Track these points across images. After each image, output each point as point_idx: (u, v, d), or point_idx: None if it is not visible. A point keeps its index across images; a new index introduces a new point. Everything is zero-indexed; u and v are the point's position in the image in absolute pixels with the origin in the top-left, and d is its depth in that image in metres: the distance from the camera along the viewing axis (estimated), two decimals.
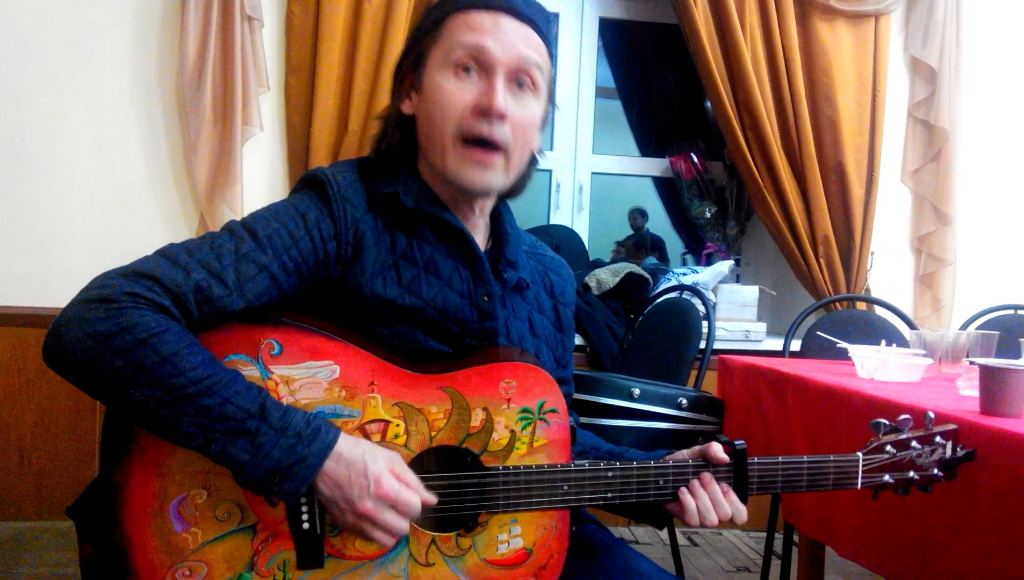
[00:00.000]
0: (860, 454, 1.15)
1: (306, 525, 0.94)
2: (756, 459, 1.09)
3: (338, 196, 1.02)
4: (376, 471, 0.91)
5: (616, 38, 3.78)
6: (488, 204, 1.14)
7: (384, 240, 1.05)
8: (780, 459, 1.11)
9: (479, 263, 1.10)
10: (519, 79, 1.05)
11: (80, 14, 2.74)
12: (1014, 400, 1.28)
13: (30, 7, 2.72)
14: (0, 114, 2.72)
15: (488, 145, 1.04)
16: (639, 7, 3.50)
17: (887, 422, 1.16)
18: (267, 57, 2.78)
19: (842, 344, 1.91)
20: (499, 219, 1.16)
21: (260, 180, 2.84)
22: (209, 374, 0.87)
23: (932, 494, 1.29)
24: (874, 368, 1.74)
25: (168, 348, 0.86)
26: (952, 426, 1.18)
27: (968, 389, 1.49)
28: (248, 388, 0.89)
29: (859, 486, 1.14)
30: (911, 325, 2.69)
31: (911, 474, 1.15)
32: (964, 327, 2.76)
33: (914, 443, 1.15)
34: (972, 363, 1.44)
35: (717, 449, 1.07)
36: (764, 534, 2.55)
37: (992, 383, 1.30)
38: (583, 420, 1.87)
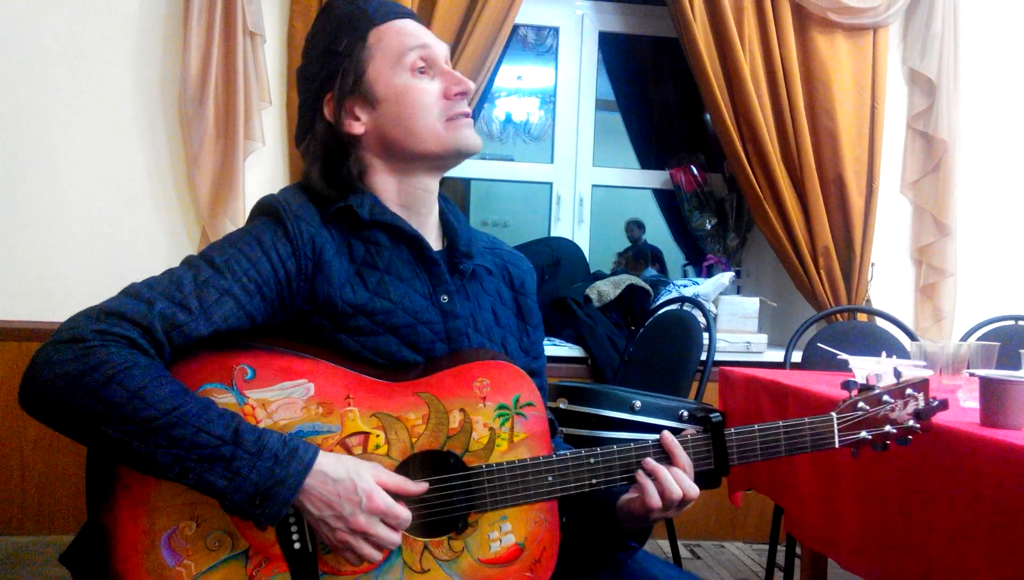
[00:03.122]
0: (834, 413, 1.16)
1: (297, 545, 0.95)
2: (733, 429, 1.12)
3: (291, 215, 1.05)
4: (366, 486, 0.93)
5: (616, 52, 3.80)
6: (435, 204, 1.18)
7: (343, 250, 1.08)
8: (756, 427, 1.13)
9: (434, 265, 1.12)
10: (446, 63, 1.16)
11: (82, 28, 2.76)
12: (1015, 412, 1.28)
13: (31, 21, 2.74)
14: (1, 127, 2.73)
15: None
16: (639, 21, 3.52)
17: (858, 381, 1.18)
18: (269, 71, 2.80)
19: (843, 355, 1.91)
20: (445, 217, 1.20)
21: (262, 194, 2.83)
22: (179, 404, 0.88)
23: (934, 506, 1.29)
24: None
25: (136, 383, 0.87)
26: (922, 377, 1.21)
27: (969, 400, 1.50)
28: (221, 415, 0.90)
29: (837, 445, 1.15)
30: (912, 336, 2.69)
31: (887, 428, 1.17)
32: (965, 338, 2.77)
33: (886, 397, 1.17)
34: (972, 375, 1.44)
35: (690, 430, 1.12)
36: (767, 546, 2.54)
37: (992, 395, 1.30)
38: (584, 433, 1.87)
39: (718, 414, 1.11)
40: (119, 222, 2.80)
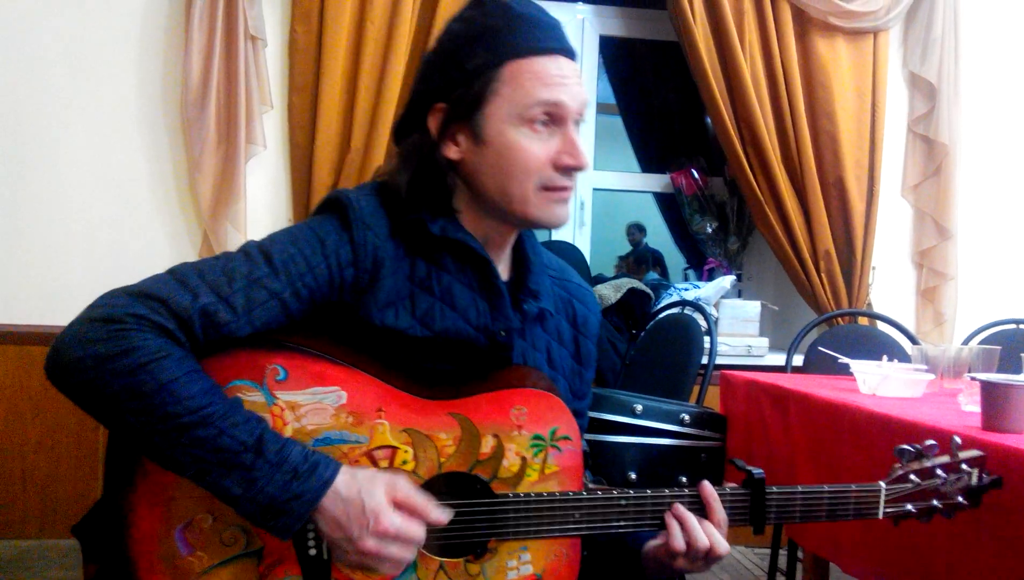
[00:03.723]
0: (883, 484, 1.10)
1: (312, 551, 0.93)
2: (775, 488, 1.07)
3: (359, 221, 1.00)
4: (374, 507, 0.89)
5: (617, 55, 3.81)
6: (514, 235, 1.12)
7: (403, 268, 1.03)
8: (799, 488, 1.08)
9: (499, 296, 1.07)
10: (577, 120, 1.05)
11: (84, 32, 2.77)
12: (1016, 416, 1.28)
13: (32, 21, 2.74)
14: (3, 131, 2.74)
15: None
16: (639, 25, 3.52)
17: (911, 448, 1.11)
18: (270, 76, 2.81)
19: (844, 359, 1.91)
20: (522, 246, 1.14)
21: (263, 198, 2.85)
22: (207, 404, 0.86)
23: None
24: (876, 383, 1.74)
25: (167, 375, 0.85)
26: (979, 453, 1.13)
27: (970, 404, 1.49)
28: (247, 419, 0.88)
29: (881, 516, 1.09)
30: (913, 340, 2.69)
31: (934, 502, 1.10)
32: (966, 342, 2.76)
33: (939, 471, 1.10)
34: (974, 378, 1.44)
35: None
36: (768, 551, 2.54)
37: (994, 399, 1.30)
38: (586, 436, 1.87)
39: (760, 470, 1.05)
40: (119, 224, 2.80)
